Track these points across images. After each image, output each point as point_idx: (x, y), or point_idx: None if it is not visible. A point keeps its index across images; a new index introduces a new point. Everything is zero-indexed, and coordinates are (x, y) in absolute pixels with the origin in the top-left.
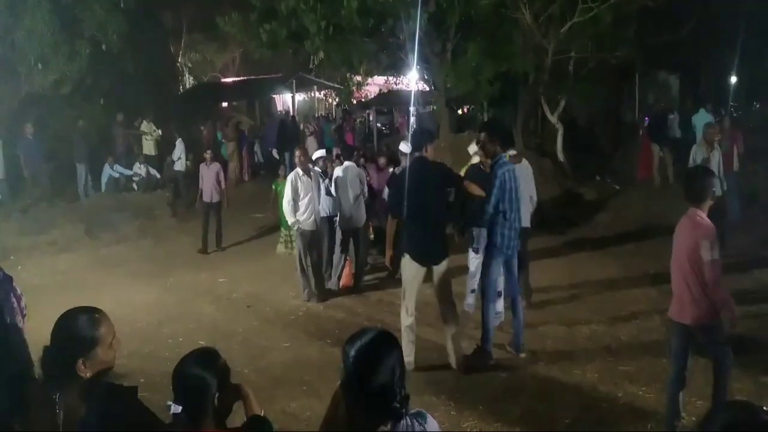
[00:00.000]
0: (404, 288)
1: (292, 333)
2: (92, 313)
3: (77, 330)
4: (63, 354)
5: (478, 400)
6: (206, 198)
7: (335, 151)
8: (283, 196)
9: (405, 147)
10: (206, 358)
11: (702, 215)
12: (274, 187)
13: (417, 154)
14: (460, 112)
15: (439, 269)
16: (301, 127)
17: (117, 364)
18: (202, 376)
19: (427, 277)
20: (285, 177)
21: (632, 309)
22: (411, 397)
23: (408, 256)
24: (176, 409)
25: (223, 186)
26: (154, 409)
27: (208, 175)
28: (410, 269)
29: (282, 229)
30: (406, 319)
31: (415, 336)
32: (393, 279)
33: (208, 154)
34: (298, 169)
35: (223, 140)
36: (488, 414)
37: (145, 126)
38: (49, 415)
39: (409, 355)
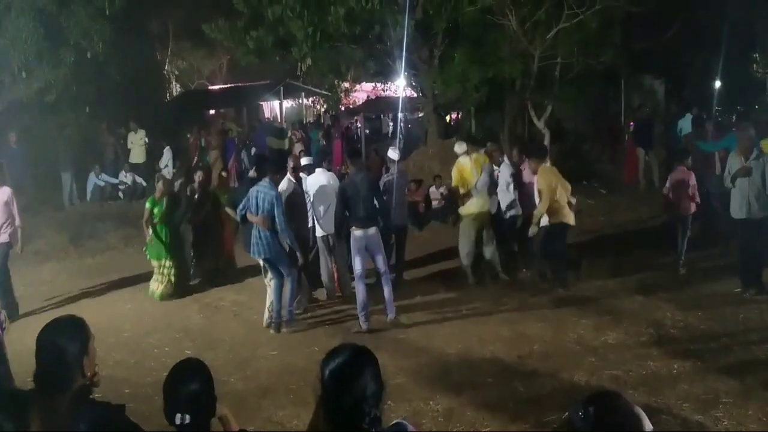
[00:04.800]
0: None
1: (279, 341)
2: (78, 318)
3: (72, 336)
4: (61, 362)
5: (466, 406)
6: None
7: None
8: (158, 217)
9: (393, 154)
10: (196, 369)
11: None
12: (148, 205)
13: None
14: (448, 118)
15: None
16: (289, 133)
17: (102, 374)
18: (198, 387)
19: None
20: (165, 193)
21: (619, 312)
22: (399, 403)
23: None
24: (185, 419)
25: (16, 222)
26: (140, 419)
27: None
28: None
29: (155, 260)
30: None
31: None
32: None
33: None
34: (290, 177)
35: (206, 147)
36: (476, 419)
37: (132, 137)
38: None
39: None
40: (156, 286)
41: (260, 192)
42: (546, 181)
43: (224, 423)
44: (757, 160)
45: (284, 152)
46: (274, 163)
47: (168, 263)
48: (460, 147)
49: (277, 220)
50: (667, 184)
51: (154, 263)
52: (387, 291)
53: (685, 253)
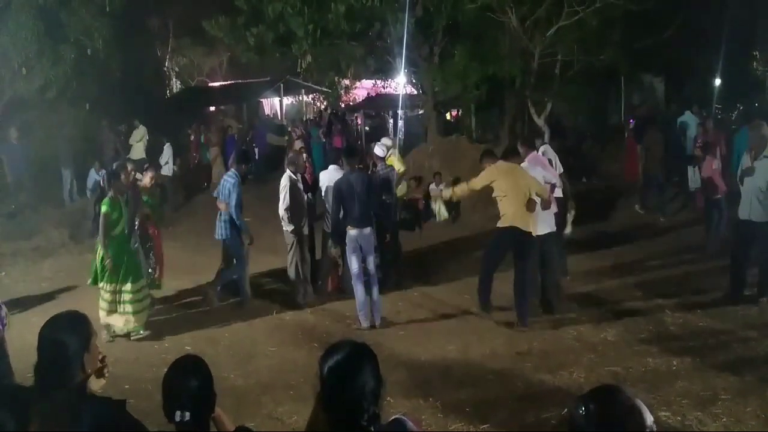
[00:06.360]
0: None
1: (279, 337)
2: (80, 314)
3: (73, 332)
4: (61, 358)
5: (465, 402)
6: None
7: None
8: (116, 220)
9: (380, 150)
10: (196, 366)
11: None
12: (105, 209)
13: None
14: (448, 116)
15: None
16: (289, 130)
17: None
18: (197, 384)
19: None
20: (120, 193)
21: (618, 310)
22: (398, 399)
23: None
24: (185, 416)
25: None
26: (140, 416)
27: None
28: None
29: (104, 283)
30: None
31: None
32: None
33: None
34: (290, 173)
35: (206, 144)
36: (475, 416)
37: (136, 134)
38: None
39: None
40: (109, 317)
41: (226, 180)
42: (485, 176)
43: (217, 422)
44: (761, 161)
45: (284, 149)
46: (241, 156)
47: (144, 281)
48: (388, 142)
49: (228, 205)
50: (701, 174)
51: (128, 287)
52: (374, 293)
53: (713, 242)
